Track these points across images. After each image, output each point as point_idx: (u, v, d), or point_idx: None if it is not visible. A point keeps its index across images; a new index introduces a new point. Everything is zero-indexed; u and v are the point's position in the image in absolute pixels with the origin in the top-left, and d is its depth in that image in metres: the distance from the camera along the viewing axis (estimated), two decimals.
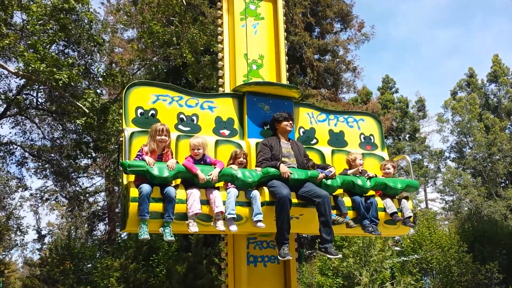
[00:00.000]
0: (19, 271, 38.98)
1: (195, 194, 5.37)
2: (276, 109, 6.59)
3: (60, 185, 24.80)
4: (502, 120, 36.95)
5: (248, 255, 6.36)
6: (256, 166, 6.02)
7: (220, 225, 5.39)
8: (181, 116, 6.24)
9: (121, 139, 5.71)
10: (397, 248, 22.01)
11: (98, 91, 16.35)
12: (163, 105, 6.16)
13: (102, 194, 29.68)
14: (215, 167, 5.56)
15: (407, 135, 43.24)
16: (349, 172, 6.58)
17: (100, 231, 29.92)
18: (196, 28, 14.74)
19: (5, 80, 19.73)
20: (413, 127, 43.10)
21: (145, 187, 5.16)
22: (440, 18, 74.42)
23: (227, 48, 7.06)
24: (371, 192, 6.57)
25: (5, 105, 19.21)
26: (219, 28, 7.25)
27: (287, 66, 7.32)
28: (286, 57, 7.35)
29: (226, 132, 6.46)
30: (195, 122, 6.30)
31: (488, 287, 18.30)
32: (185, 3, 14.57)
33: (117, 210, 26.07)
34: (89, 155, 17.17)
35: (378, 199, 6.46)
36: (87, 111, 13.35)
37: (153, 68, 15.85)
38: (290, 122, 6.37)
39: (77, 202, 25.64)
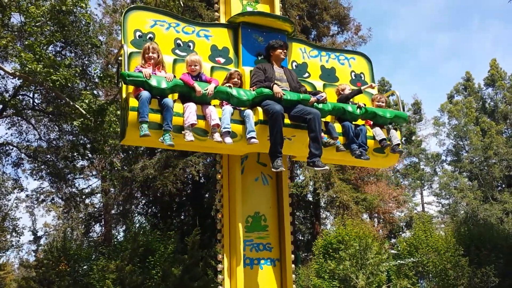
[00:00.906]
0: (14, 273, 38.82)
1: (191, 107, 5.54)
2: (270, 41, 6.71)
3: (56, 186, 24.73)
4: (498, 124, 37.03)
5: (244, 257, 6.33)
6: (250, 87, 6.18)
7: (217, 137, 5.58)
8: (178, 41, 6.44)
9: (119, 57, 5.88)
10: (393, 251, 22.05)
11: (95, 92, 16.32)
12: (161, 30, 6.33)
13: (98, 195, 29.63)
14: (210, 84, 5.76)
15: (403, 138, 43.35)
16: (346, 90, 6.83)
17: (96, 232, 29.87)
18: None
19: (1, 81, 19.69)
20: (409, 130, 43.19)
21: (144, 93, 5.35)
22: (439, 21, 74.72)
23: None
24: (360, 122, 6.77)
25: (1, 106, 19.15)
26: None
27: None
28: None
29: (222, 60, 6.64)
30: (191, 48, 6.47)
31: None
32: (182, 5, 14.58)
33: (113, 211, 26.04)
34: (85, 157, 17.14)
35: (367, 127, 6.63)
36: (84, 112, 13.31)
37: None
38: (285, 50, 6.57)
39: (73, 203, 25.57)
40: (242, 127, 5.81)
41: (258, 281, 6.38)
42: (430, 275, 19.99)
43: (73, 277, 16.58)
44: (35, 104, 20.13)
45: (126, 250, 15.40)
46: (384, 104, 7.08)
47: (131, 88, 5.58)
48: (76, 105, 13.48)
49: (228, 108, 5.78)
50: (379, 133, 6.62)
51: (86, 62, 17.51)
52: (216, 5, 7.21)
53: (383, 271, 17.29)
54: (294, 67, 7.10)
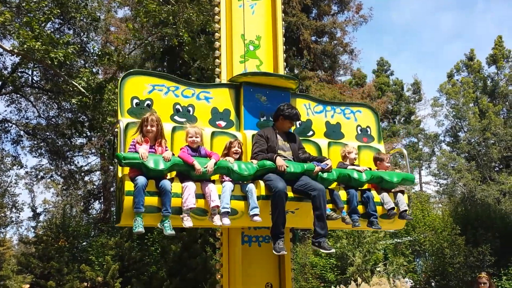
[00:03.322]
0: (14, 248, 39.12)
1: (190, 188, 5.29)
2: (273, 100, 6.54)
3: (55, 164, 24.80)
4: (496, 105, 36.94)
5: (242, 235, 6.38)
6: (251, 157, 5.95)
7: (217, 220, 5.33)
8: (177, 106, 6.15)
9: (116, 130, 5.63)
10: (390, 230, 22.21)
11: (93, 70, 16.27)
12: (159, 95, 6.06)
13: (97, 173, 29.73)
14: (210, 159, 5.49)
15: (402, 118, 43.32)
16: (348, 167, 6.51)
17: (95, 209, 30.04)
18: (193, 8, 14.61)
19: (0, 58, 19.61)
20: (408, 110, 43.14)
21: (141, 180, 5.06)
22: (443, 2, 73.96)
23: (224, 28, 6.99)
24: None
25: (0, 83, 19.10)
26: (216, 8, 7.15)
27: (284, 47, 7.26)
28: (284, 39, 7.29)
29: (223, 123, 6.38)
30: (191, 113, 6.20)
31: (480, 269, 18.49)
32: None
33: (112, 189, 26.12)
34: (84, 134, 17.16)
35: (374, 192, 6.43)
36: (82, 90, 13.29)
37: (149, 48, 15.72)
38: (293, 125, 6.37)
39: (72, 180, 25.67)
40: (243, 203, 5.55)
41: (256, 259, 6.43)
42: (427, 253, 20.18)
43: (72, 253, 16.75)
44: (34, 81, 20.08)
45: (125, 227, 15.50)
46: (387, 165, 6.86)
47: (126, 169, 5.30)
48: (75, 83, 13.45)
49: (229, 186, 5.52)
50: (388, 201, 6.42)
51: (85, 39, 17.42)
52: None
53: (380, 249, 17.46)
54: (298, 125, 6.85)
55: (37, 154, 24.12)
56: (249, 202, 5.53)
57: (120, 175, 5.41)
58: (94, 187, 29.79)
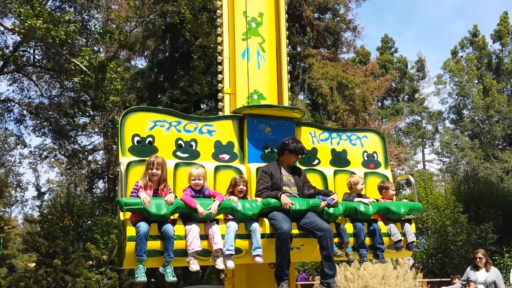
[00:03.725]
0: (19, 227, 39.52)
1: (194, 231, 5.23)
2: (277, 131, 6.44)
3: (58, 143, 24.86)
4: (499, 82, 36.66)
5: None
6: (256, 195, 5.87)
7: (220, 263, 5.27)
8: (179, 142, 6.04)
9: (117, 170, 5.56)
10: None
11: (95, 48, 16.18)
12: (161, 131, 5.94)
13: (101, 152, 29.82)
14: (214, 200, 5.43)
15: (406, 96, 43.11)
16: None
17: (99, 188, 30.22)
18: None
19: (1, 37, 19.53)
20: (412, 88, 42.91)
21: (142, 226, 5.00)
22: None
23: (226, 5, 6.89)
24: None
25: (1, 62, 19.04)
26: None
27: (286, 24, 7.18)
28: (286, 15, 7.21)
29: (226, 156, 6.26)
30: (193, 147, 6.08)
31: (482, 246, 18.59)
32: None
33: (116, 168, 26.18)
34: (87, 113, 17.15)
35: (380, 223, 6.36)
36: (85, 69, 13.24)
37: (150, 26, 15.60)
38: (298, 159, 6.26)
39: (76, 160, 25.75)
40: (248, 242, 5.48)
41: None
42: (429, 231, 20.29)
43: (77, 232, 16.88)
44: (36, 60, 20.01)
45: None
46: (394, 192, 6.78)
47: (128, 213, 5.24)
48: (76, 62, 13.39)
49: (233, 226, 5.41)
50: (395, 233, 6.34)
51: (86, 17, 17.30)
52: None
53: None
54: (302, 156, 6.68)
55: (41, 133, 24.19)
56: (252, 242, 5.47)
57: (122, 218, 5.35)
58: (98, 166, 29.91)
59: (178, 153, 5.98)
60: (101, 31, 14.61)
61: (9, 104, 22.40)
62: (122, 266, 5.30)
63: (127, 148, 5.71)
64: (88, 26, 16.99)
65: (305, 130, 6.84)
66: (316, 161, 6.81)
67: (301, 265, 21.57)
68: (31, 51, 19.43)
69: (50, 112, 22.94)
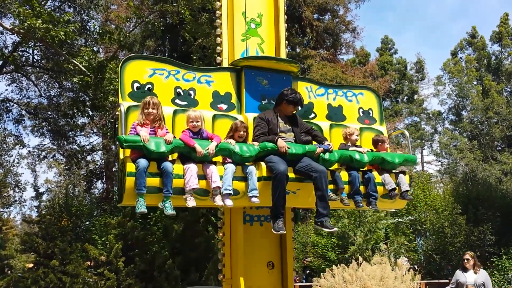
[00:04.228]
0: (17, 228, 39.44)
1: (192, 169, 5.35)
2: (274, 83, 6.52)
3: (57, 143, 24.83)
4: (498, 83, 36.64)
5: (244, 214, 6.41)
6: (253, 140, 5.94)
7: (218, 200, 5.41)
8: (178, 90, 6.14)
9: (117, 113, 5.66)
10: (392, 209, 22.27)
11: (95, 49, 16.17)
12: (160, 79, 6.07)
13: (100, 152, 29.78)
14: (212, 142, 5.53)
15: (405, 97, 43.12)
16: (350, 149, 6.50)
17: (98, 189, 30.18)
18: None
19: (0, 37, 19.51)
20: (411, 89, 42.92)
21: (142, 162, 5.14)
22: None
23: (225, 5, 6.90)
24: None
25: (0, 62, 19.02)
26: None
27: (286, 25, 7.19)
28: (285, 16, 7.21)
29: (224, 106, 6.37)
30: (192, 96, 6.20)
31: (480, 248, 18.60)
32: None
33: (114, 169, 26.20)
34: (86, 114, 17.13)
35: (375, 173, 6.44)
36: (84, 69, 13.23)
37: (150, 26, 15.59)
38: (296, 109, 6.33)
39: (75, 160, 25.72)
40: (244, 184, 5.62)
41: (258, 238, 6.47)
42: (428, 233, 20.27)
43: (75, 233, 16.85)
44: (35, 60, 19.99)
45: (127, 207, 15.57)
46: (388, 146, 6.88)
47: (128, 150, 5.37)
48: (76, 62, 13.38)
49: (231, 167, 5.55)
50: (389, 182, 6.41)
51: (85, 17, 17.28)
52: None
53: (381, 229, 17.53)
54: (300, 108, 6.75)
55: (39, 133, 24.17)
56: (248, 184, 5.59)
57: (121, 156, 5.45)
58: (96, 166, 29.88)
59: (177, 101, 6.13)
60: (100, 31, 14.61)
61: (7, 104, 22.38)
62: (122, 202, 5.43)
63: (126, 93, 5.87)
64: (88, 27, 16.96)
65: (301, 85, 6.97)
66: (313, 115, 6.97)
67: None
68: (30, 51, 19.41)
69: (49, 112, 22.91)
